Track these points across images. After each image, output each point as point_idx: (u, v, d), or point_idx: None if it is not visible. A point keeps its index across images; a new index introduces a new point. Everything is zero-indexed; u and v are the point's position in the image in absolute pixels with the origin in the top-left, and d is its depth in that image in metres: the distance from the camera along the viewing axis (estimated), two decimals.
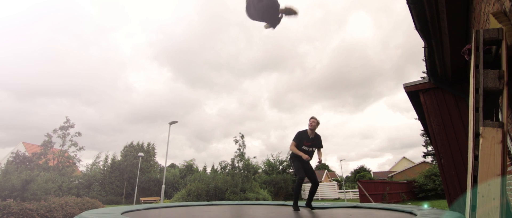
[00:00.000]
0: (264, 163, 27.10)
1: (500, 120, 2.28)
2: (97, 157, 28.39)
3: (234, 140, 17.47)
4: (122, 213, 3.38)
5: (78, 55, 59.05)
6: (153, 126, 59.37)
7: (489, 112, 2.13)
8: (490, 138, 1.83)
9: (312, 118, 4.30)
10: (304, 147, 4.17)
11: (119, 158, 28.15)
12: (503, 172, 1.74)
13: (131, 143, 29.05)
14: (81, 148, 23.37)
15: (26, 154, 20.67)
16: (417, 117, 7.20)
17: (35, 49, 59.30)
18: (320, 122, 4.35)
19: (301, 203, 4.60)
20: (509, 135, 2.50)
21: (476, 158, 1.86)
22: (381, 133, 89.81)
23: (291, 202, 5.14)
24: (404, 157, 48.74)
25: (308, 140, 4.19)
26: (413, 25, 3.86)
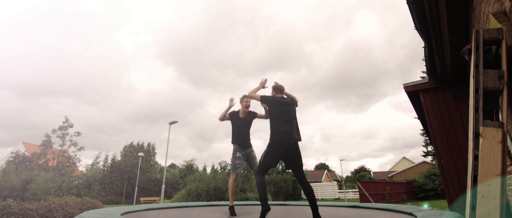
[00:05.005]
0: None
1: (500, 120, 2.27)
2: (97, 157, 28.44)
3: None
4: (122, 214, 3.37)
5: (82, 54, 59.29)
6: (155, 125, 59.54)
7: (489, 112, 2.13)
8: (490, 138, 1.82)
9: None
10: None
11: (119, 158, 28.16)
12: (503, 172, 1.74)
13: (131, 143, 29.07)
14: (81, 148, 23.39)
15: (26, 154, 20.68)
16: (417, 116, 7.20)
17: (38, 48, 59.53)
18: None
19: (297, 202, 4.56)
20: (509, 135, 2.50)
21: (476, 158, 1.85)
22: (383, 133, 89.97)
23: (291, 202, 5.14)
24: (404, 157, 48.74)
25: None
26: (413, 25, 3.86)
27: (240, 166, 3.87)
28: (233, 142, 3.96)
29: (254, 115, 4.12)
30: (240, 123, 4.00)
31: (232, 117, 4.03)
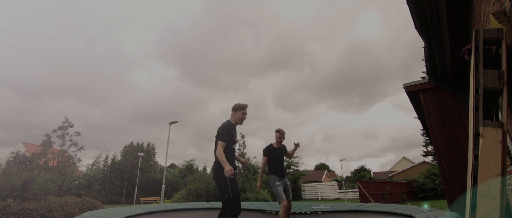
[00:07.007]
0: None
1: (500, 119, 2.27)
2: (98, 157, 28.44)
3: None
4: None
5: (83, 54, 59.19)
6: (156, 125, 59.43)
7: (489, 111, 2.12)
8: (490, 138, 1.82)
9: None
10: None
11: (119, 158, 28.16)
12: (503, 172, 1.74)
13: (131, 143, 29.07)
14: (81, 148, 23.39)
15: (26, 154, 20.66)
16: (417, 116, 7.19)
17: (40, 47, 59.47)
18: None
19: (302, 203, 4.59)
20: (509, 135, 2.50)
21: (476, 158, 1.85)
22: (384, 133, 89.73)
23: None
24: (404, 157, 48.71)
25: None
26: (413, 25, 3.86)
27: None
28: (270, 173, 4.17)
29: (285, 150, 4.41)
30: (276, 155, 4.25)
31: (269, 151, 4.27)
